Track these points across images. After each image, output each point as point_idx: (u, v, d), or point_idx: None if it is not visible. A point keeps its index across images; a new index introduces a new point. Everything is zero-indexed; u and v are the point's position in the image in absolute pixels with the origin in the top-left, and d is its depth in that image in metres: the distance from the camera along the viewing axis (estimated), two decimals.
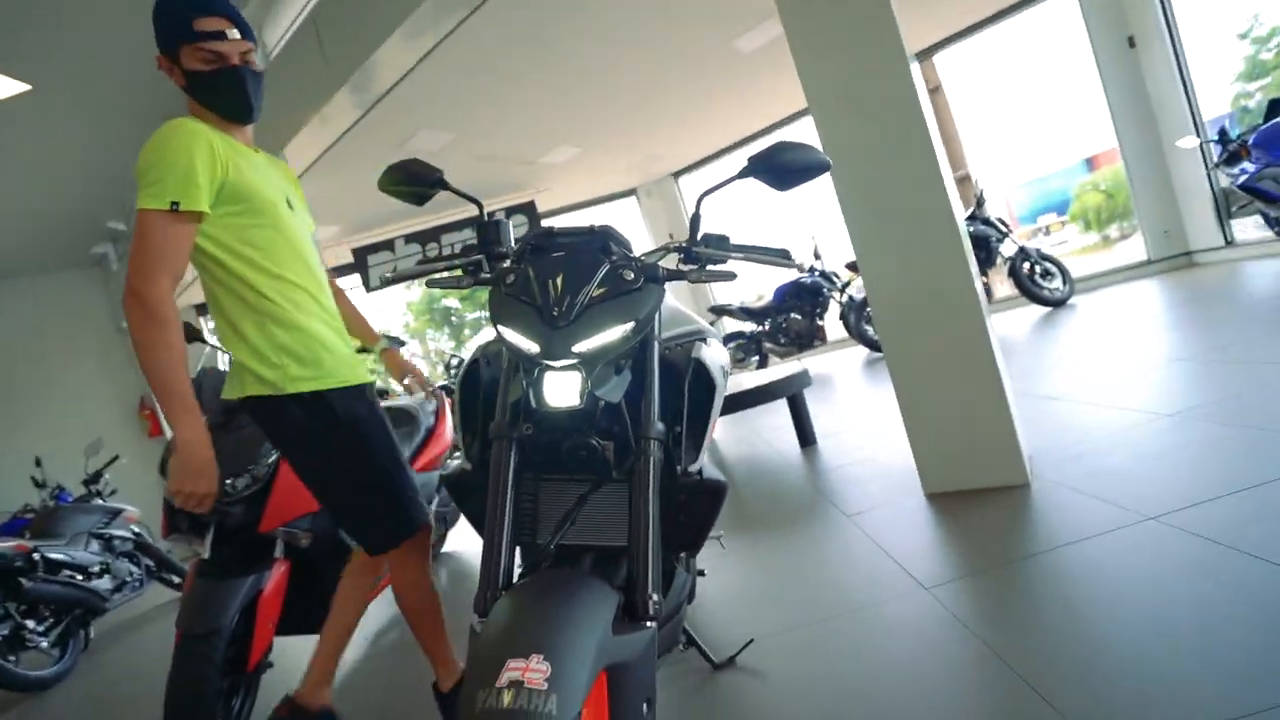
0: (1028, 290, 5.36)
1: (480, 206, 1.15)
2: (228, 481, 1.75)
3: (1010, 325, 5.26)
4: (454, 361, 7.84)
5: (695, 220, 1.09)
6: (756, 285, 7.49)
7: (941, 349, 2.20)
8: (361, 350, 1.75)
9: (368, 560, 1.59)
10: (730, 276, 1.04)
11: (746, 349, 6.52)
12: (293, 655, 2.09)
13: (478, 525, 1.12)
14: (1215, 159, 4.58)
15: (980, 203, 5.53)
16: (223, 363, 2.34)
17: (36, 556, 3.11)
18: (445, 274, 1.10)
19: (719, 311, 6.55)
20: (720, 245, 1.08)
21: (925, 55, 6.58)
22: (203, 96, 1.35)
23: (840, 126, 2.22)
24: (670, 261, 1.09)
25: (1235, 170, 4.27)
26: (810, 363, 5.97)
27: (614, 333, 0.91)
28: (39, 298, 6.30)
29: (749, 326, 6.51)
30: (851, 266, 5.90)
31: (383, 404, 2.97)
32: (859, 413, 3.94)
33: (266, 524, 1.81)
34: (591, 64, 5.07)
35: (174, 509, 1.83)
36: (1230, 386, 2.40)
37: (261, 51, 4.76)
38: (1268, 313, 3.40)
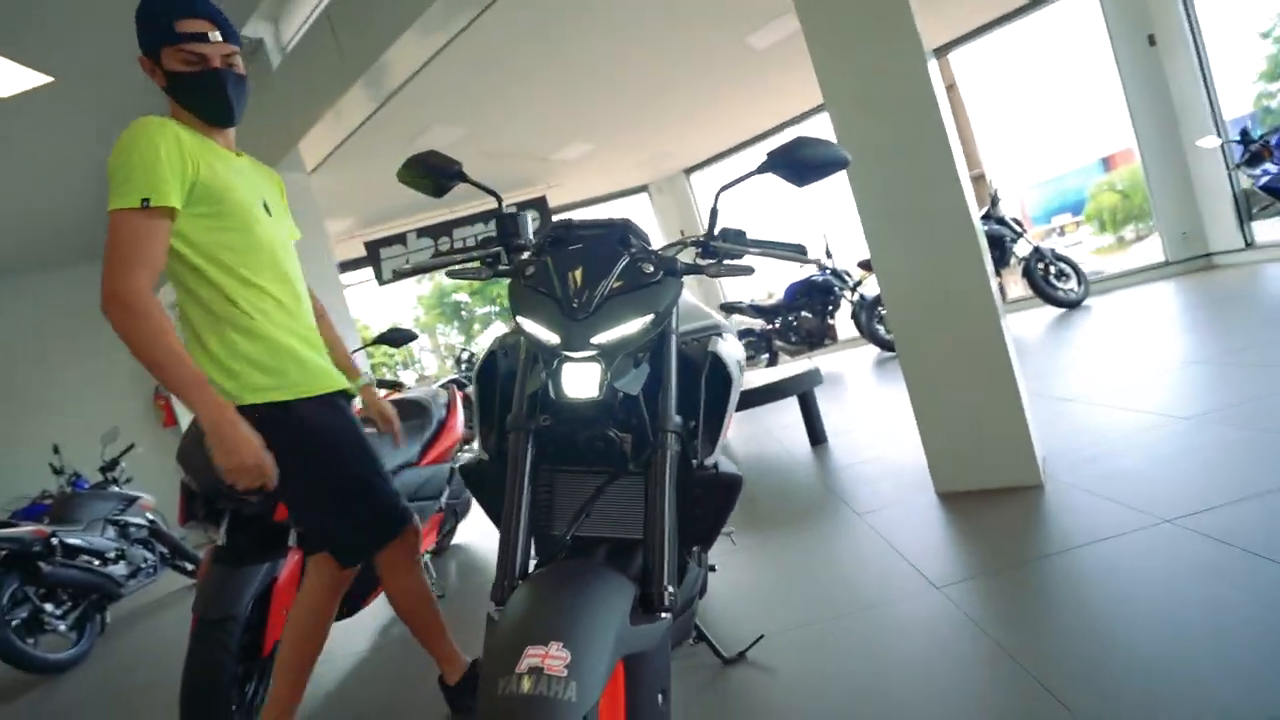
0: (1042, 291, 5.31)
1: (499, 199, 1.16)
2: None
3: (1024, 326, 5.21)
4: (464, 355, 7.89)
5: (714, 215, 1.09)
6: (767, 282, 7.47)
7: (955, 348, 2.18)
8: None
9: (330, 582, 1.50)
10: (748, 271, 1.04)
11: (757, 346, 6.50)
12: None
13: (494, 516, 1.13)
14: (1237, 159, 4.52)
15: (995, 202, 5.49)
16: None
17: (55, 541, 3.16)
18: (464, 265, 1.11)
19: (729, 309, 6.54)
20: (738, 240, 1.08)
21: (940, 53, 6.52)
22: (183, 99, 1.34)
23: (857, 123, 2.21)
24: (688, 255, 1.09)
25: (1257, 171, 4.22)
26: (820, 361, 5.95)
27: (634, 325, 0.91)
28: (62, 289, 6.43)
29: (759, 324, 6.49)
30: (864, 265, 5.86)
31: (395, 396, 3.01)
32: (869, 412, 3.93)
33: (281, 512, 1.83)
34: (604, 60, 5.07)
35: (191, 496, 1.86)
36: (1247, 390, 2.38)
37: (276, 45, 4.79)
38: None
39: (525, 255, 1.04)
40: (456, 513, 3.17)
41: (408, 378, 17.17)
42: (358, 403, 1.70)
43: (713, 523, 1.07)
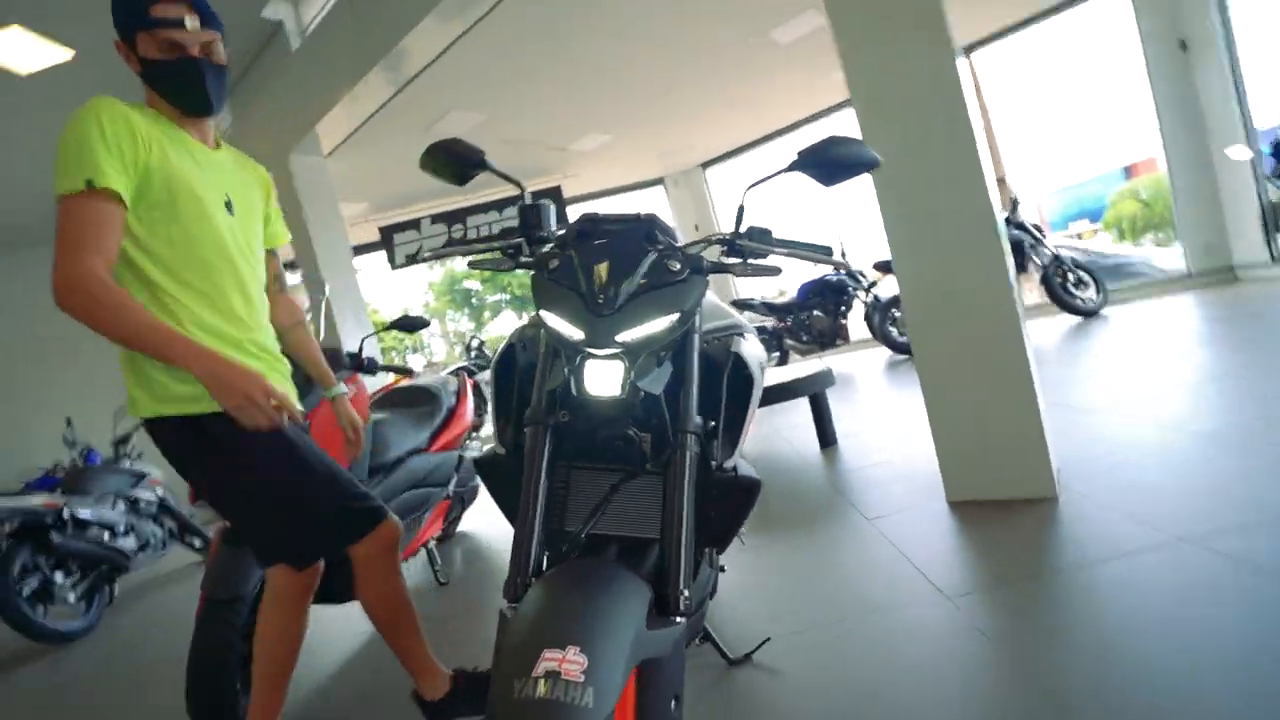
0: (1059, 298, 5.25)
1: (522, 189, 1.14)
2: None
3: (1040, 333, 5.15)
4: (474, 342, 7.89)
5: (740, 212, 1.07)
6: (779, 280, 7.41)
7: (973, 353, 2.15)
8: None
9: (293, 587, 1.41)
10: (775, 271, 1.02)
11: (768, 344, 6.46)
12: (314, 627, 2.11)
13: (506, 509, 1.12)
14: (1267, 171, 4.43)
15: (1015, 207, 5.42)
16: None
17: (66, 514, 3.19)
18: (485, 255, 1.09)
19: (741, 306, 6.49)
20: (764, 239, 1.06)
21: (965, 53, 6.43)
22: (158, 86, 1.27)
23: (883, 121, 2.18)
24: (711, 253, 1.07)
25: None
26: (831, 362, 5.91)
27: (660, 324, 0.90)
28: None
29: (770, 322, 6.44)
30: (879, 266, 5.80)
31: (405, 383, 3.00)
32: (880, 414, 3.90)
33: None
34: (625, 53, 5.03)
35: None
36: (1267, 407, 2.33)
37: (297, 28, 4.77)
38: None
39: (548, 247, 1.03)
40: (464, 500, 3.18)
41: (416, 362, 17.25)
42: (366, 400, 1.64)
43: (729, 525, 1.05)
